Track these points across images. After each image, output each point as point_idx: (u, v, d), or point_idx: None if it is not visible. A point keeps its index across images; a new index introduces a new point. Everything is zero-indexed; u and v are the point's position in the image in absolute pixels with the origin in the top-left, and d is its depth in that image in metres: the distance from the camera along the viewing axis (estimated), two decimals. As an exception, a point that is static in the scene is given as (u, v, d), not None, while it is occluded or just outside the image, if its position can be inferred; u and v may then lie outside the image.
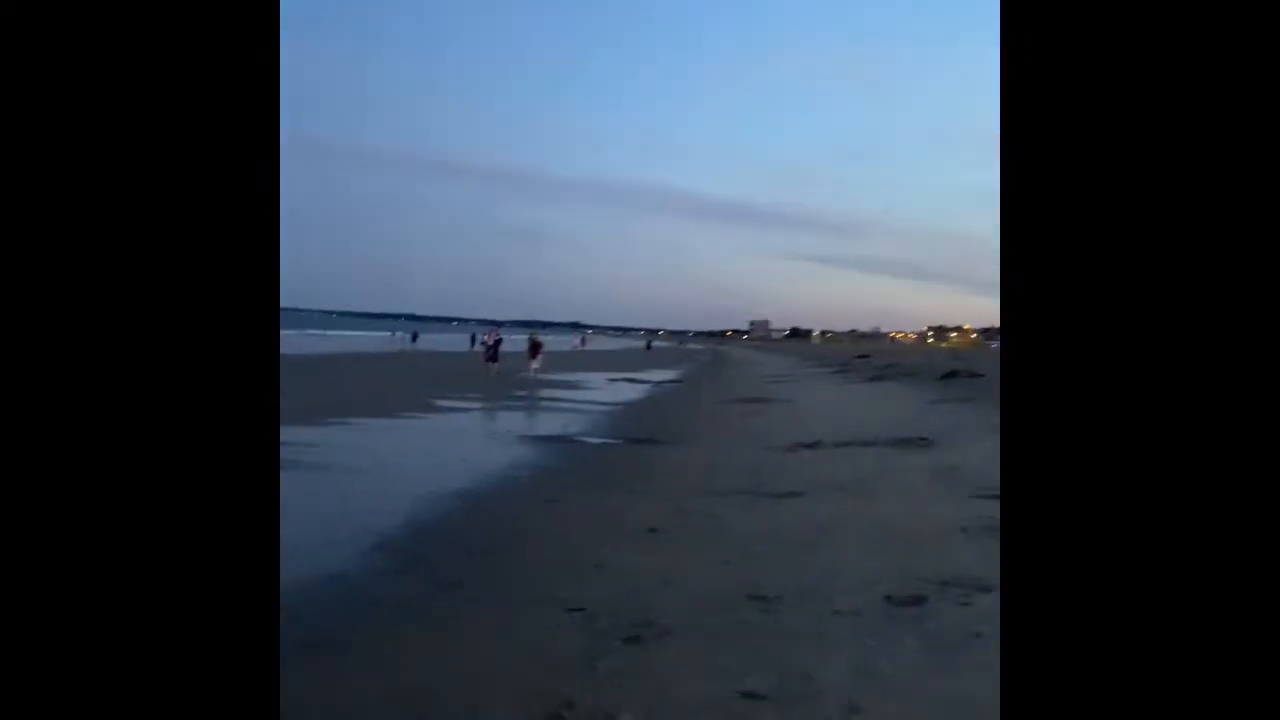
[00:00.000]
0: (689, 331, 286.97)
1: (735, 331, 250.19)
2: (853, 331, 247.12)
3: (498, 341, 29.50)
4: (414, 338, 61.34)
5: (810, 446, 11.02)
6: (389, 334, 72.47)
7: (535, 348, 30.12)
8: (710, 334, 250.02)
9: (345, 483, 8.88)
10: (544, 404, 19.11)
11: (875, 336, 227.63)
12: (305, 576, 5.35)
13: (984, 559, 5.46)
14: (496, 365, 28.02)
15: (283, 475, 8.29)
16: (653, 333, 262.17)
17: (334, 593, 5.09)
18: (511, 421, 15.74)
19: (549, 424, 15.00)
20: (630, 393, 24.65)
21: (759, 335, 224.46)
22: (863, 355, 51.02)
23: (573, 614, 4.68)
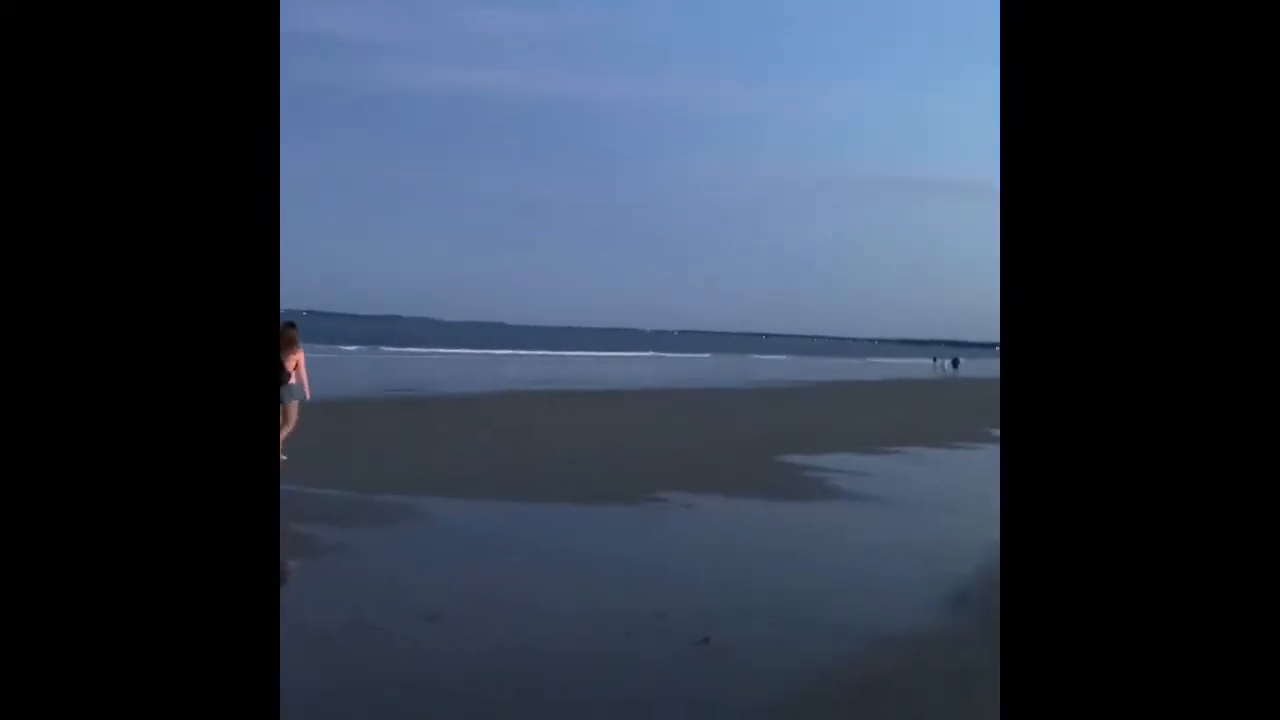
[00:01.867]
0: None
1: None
2: None
3: None
4: (955, 364, 59.12)
5: None
6: (931, 360, 71.44)
7: None
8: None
9: (907, 518, 8.26)
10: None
11: None
12: (870, 631, 4.75)
13: None
14: None
15: (838, 506, 7.71)
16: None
17: (906, 658, 4.41)
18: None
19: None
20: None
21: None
22: None
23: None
